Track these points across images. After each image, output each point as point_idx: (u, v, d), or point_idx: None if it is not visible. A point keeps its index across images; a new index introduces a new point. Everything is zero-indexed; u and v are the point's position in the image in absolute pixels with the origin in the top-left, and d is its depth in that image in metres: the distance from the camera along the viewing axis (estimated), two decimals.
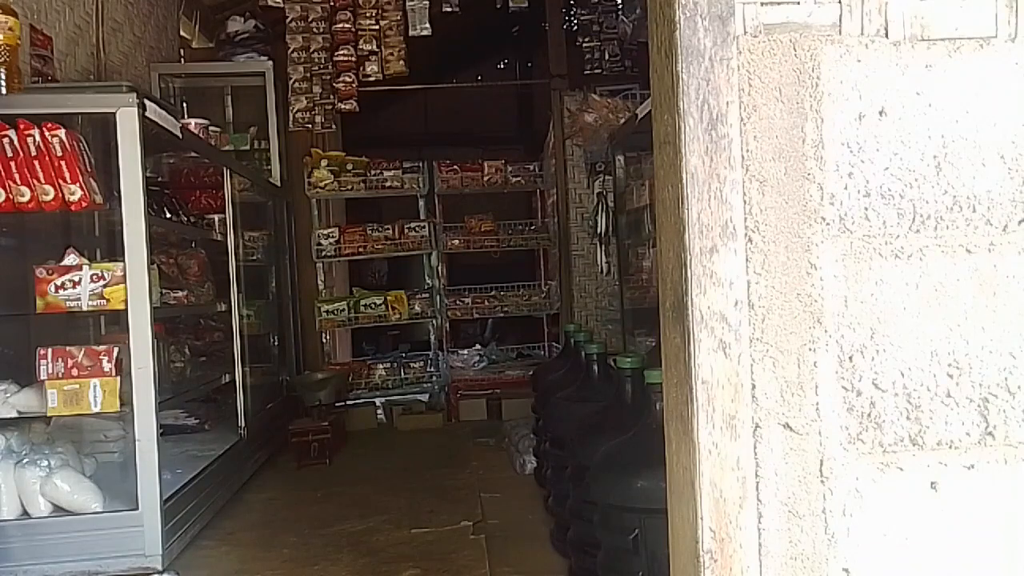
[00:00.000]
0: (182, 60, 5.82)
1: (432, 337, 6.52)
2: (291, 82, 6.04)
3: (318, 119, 6.16)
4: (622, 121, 5.06)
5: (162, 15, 5.46)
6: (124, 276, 3.02)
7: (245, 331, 4.68)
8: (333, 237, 6.28)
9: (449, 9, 5.97)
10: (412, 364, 6.46)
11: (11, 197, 2.96)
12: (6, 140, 2.94)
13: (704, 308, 1.18)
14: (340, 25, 6.04)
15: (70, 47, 4.01)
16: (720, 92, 1.18)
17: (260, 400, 4.90)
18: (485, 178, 6.53)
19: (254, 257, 5.30)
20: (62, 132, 2.97)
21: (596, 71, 6.38)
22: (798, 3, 1.19)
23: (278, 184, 5.89)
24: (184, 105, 5.69)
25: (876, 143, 1.21)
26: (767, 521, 1.19)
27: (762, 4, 1.19)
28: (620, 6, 6.27)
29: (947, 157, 1.21)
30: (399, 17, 6.04)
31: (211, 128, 4.62)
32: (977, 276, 1.21)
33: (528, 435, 4.38)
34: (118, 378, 3.02)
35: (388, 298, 6.39)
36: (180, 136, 3.65)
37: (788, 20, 1.19)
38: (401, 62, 6.07)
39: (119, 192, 3.04)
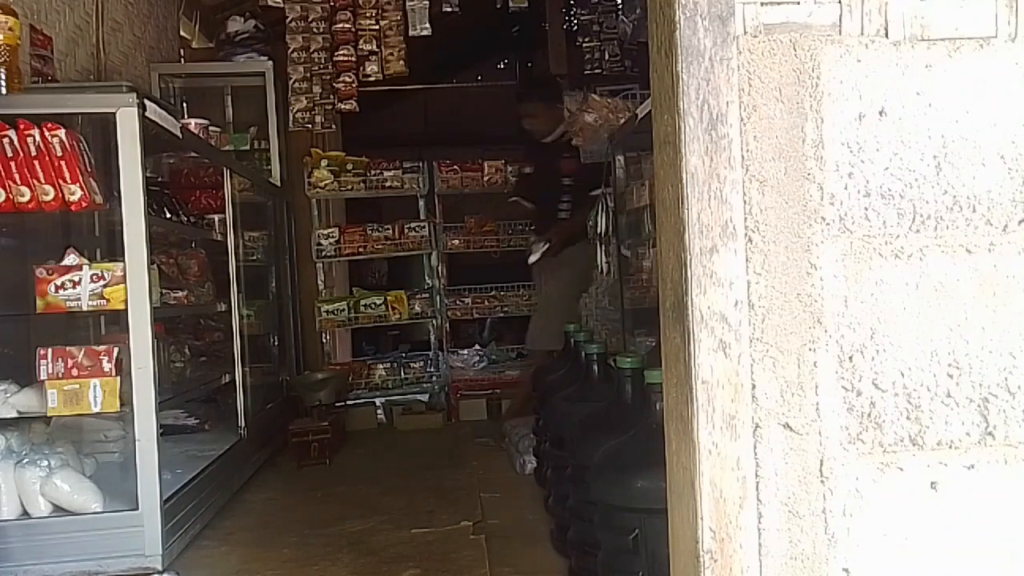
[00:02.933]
0: (182, 60, 5.81)
1: (432, 337, 6.51)
2: (291, 82, 6.03)
3: (318, 119, 6.15)
4: (622, 121, 5.05)
5: (162, 15, 5.45)
6: (124, 276, 3.01)
7: (245, 331, 4.67)
8: (333, 237, 6.26)
9: (449, 9, 5.96)
10: (412, 364, 6.44)
11: (11, 197, 2.96)
12: (6, 140, 2.94)
13: (704, 308, 1.18)
14: (340, 25, 6.03)
15: (70, 47, 4.01)
16: (720, 92, 1.18)
17: (260, 400, 4.89)
18: (485, 178, 6.51)
19: (254, 257, 5.29)
20: (62, 132, 2.96)
21: (596, 71, 6.37)
22: (798, 3, 1.19)
23: (278, 184, 5.88)
24: (184, 105, 5.68)
25: (876, 143, 1.21)
26: (767, 521, 1.19)
27: (762, 4, 1.19)
28: (620, 6, 6.25)
29: (947, 157, 1.21)
30: (399, 17, 6.03)
31: (211, 128, 4.62)
32: (977, 276, 1.21)
33: (528, 435, 4.37)
34: (118, 378, 3.01)
35: (388, 298, 6.38)
36: (180, 136, 3.65)
37: (788, 20, 1.19)
38: (401, 62, 6.06)
39: (119, 192, 3.04)
